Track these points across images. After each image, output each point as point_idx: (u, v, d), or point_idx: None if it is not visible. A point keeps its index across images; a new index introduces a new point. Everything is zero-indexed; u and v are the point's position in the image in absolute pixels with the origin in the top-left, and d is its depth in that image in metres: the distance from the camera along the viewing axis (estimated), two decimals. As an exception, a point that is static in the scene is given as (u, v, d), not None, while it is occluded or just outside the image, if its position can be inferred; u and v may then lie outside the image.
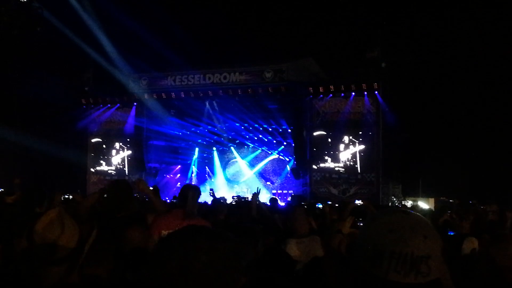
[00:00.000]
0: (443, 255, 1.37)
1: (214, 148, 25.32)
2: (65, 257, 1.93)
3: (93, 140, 22.95)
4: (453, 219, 6.35)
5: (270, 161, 24.60)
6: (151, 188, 4.40)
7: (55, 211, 2.05)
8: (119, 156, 22.66)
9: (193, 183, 24.20)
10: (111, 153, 22.73)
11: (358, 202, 13.63)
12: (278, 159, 24.43)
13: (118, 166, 22.59)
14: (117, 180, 4.43)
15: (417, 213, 1.39)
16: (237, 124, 22.81)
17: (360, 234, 1.40)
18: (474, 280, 2.58)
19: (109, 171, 22.50)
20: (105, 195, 4.19)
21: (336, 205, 9.98)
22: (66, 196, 10.96)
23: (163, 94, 21.03)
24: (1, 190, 11.38)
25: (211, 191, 13.20)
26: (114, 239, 2.65)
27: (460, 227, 5.24)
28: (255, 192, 6.23)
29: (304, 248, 4.29)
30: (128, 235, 2.87)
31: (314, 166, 19.53)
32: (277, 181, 24.13)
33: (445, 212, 7.87)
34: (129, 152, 22.43)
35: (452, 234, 5.33)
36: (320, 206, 9.77)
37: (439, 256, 1.32)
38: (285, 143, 23.41)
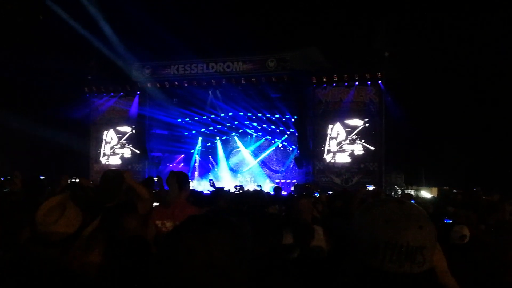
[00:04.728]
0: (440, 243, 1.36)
1: (218, 138, 25.30)
2: (60, 241, 1.95)
3: (95, 129, 22.98)
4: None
5: (273, 150, 24.58)
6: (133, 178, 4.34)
7: (58, 197, 2.07)
8: (122, 145, 22.68)
9: (196, 172, 24.27)
10: (114, 141, 22.75)
11: (370, 187, 13.61)
12: (282, 148, 24.40)
13: (121, 154, 22.62)
14: (107, 170, 4.43)
15: (411, 202, 1.39)
16: (240, 113, 22.80)
17: (356, 223, 1.39)
18: (470, 268, 2.57)
19: (112, 160, 22.54)
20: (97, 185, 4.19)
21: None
22: (73, 180, 11.00)
23: (166, 83, 21.02)
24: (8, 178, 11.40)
25: (211, 181, 13.22)
26: (109, 227, 2.66)
27: (457, 216, 5.22)
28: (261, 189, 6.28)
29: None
30: (125, 223, 2.88)
31: (317, 155, 19.56)
32: (281, 170, 24.13)
33: (447, 201, 7.85)
34: (132, 141, 22.46)
35: (448, 222, 5.30)
36: (317, 195, 9.75)
37: (434, 246, 1.32)
38: (288, 132, 23.35)
